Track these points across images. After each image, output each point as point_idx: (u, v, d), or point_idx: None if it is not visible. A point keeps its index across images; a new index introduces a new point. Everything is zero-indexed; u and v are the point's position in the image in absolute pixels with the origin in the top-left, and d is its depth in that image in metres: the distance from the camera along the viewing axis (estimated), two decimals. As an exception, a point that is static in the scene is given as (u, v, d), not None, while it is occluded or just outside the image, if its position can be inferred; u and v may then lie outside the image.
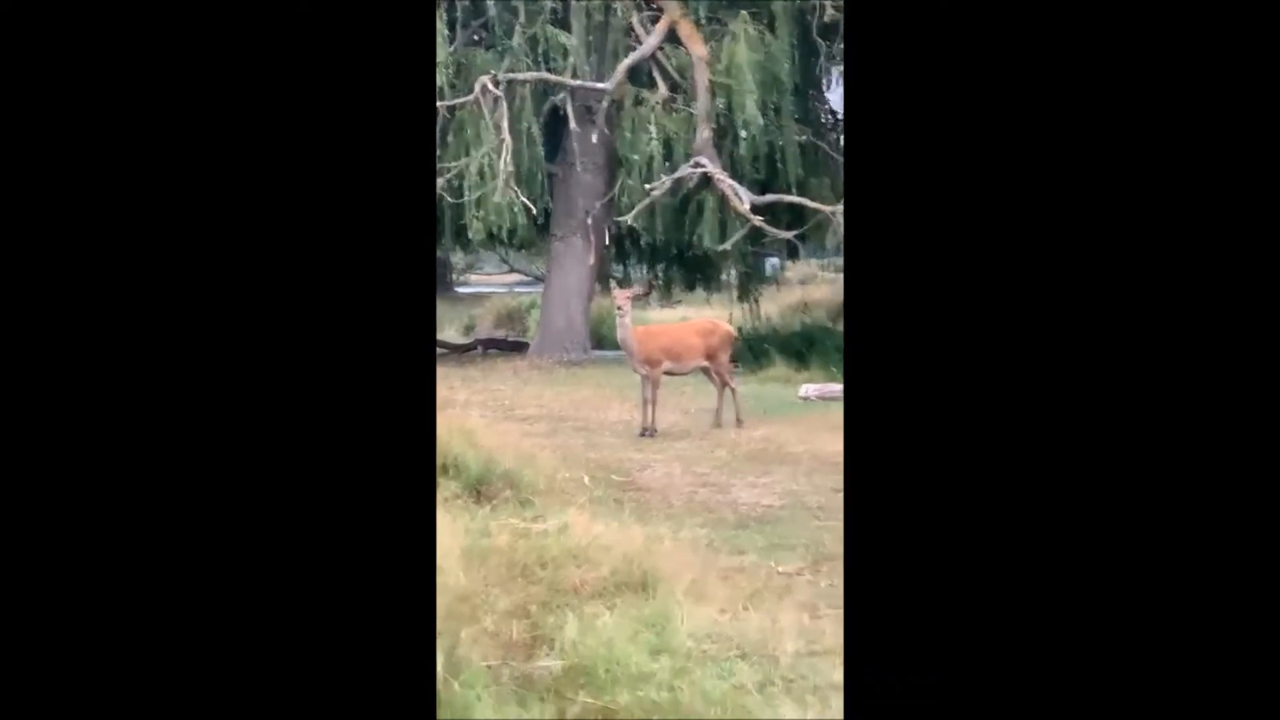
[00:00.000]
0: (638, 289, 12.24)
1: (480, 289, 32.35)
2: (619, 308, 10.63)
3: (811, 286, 25.27)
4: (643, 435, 10.59)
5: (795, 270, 27.68)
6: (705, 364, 11.15)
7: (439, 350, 19.23)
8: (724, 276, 19.44)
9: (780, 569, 6.25)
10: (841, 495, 7.78)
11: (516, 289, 28.79)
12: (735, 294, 19.03)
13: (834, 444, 9.74)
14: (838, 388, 13.02)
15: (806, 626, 5.12)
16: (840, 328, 19.12)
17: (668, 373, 10.95)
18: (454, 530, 5.92)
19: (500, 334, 21.12)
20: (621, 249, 19.25)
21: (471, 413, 10.72)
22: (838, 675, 4.64)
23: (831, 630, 5.10)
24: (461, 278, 36.33)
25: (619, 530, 6.21)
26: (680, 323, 12.91)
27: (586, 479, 8.39)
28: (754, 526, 7.30)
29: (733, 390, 11.26)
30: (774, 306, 20.89)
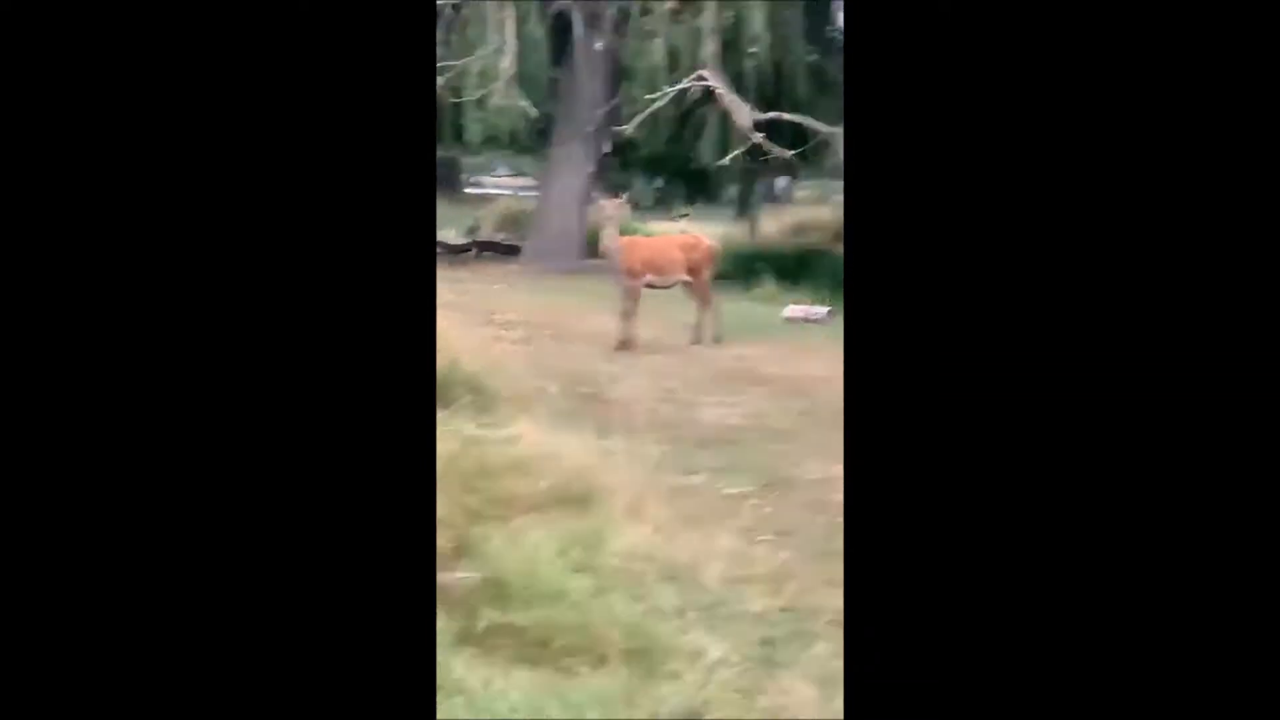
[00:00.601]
0: (622, 199, 12.08)
1: (489, 191, 32.20)
2: (605, 216, 10.50)
3: (819, 208, 25.06)
4: (618, 348, 10.50)
5: (810, 191, 27.54)
6: (687, 278, 11.04)
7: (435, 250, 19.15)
8: (724, 192, 19.30)
9: (727, 491, 6.19)
10: (806, 421, 7.87)
11: (521, 193, 28.58)
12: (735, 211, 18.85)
13: (809, 367, 9.71)
14: (822, 310, 12.94)
15: (740, 552, 5.08)
16: (838, 250, 19.14)
17: (649, 285, 10.85)
18: (402, 433, 5.86)
19: (499, 237, 20.92)
20: (624, 159, 19.07)
21: (452, 315, 10.64)
22: (758, 604, 4.63)
23: (763, 556, 5.06)
24: (473, 179, 36.11)
25: (570, 443, 6.17)
26: (663, 236, 12.79)
27: (553, 389, 8.31)
28: (712, 447, 7.26)
29: (713, 308, 11.14)
30: (775, 225, 20.77)
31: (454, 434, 6.17)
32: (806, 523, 5.63)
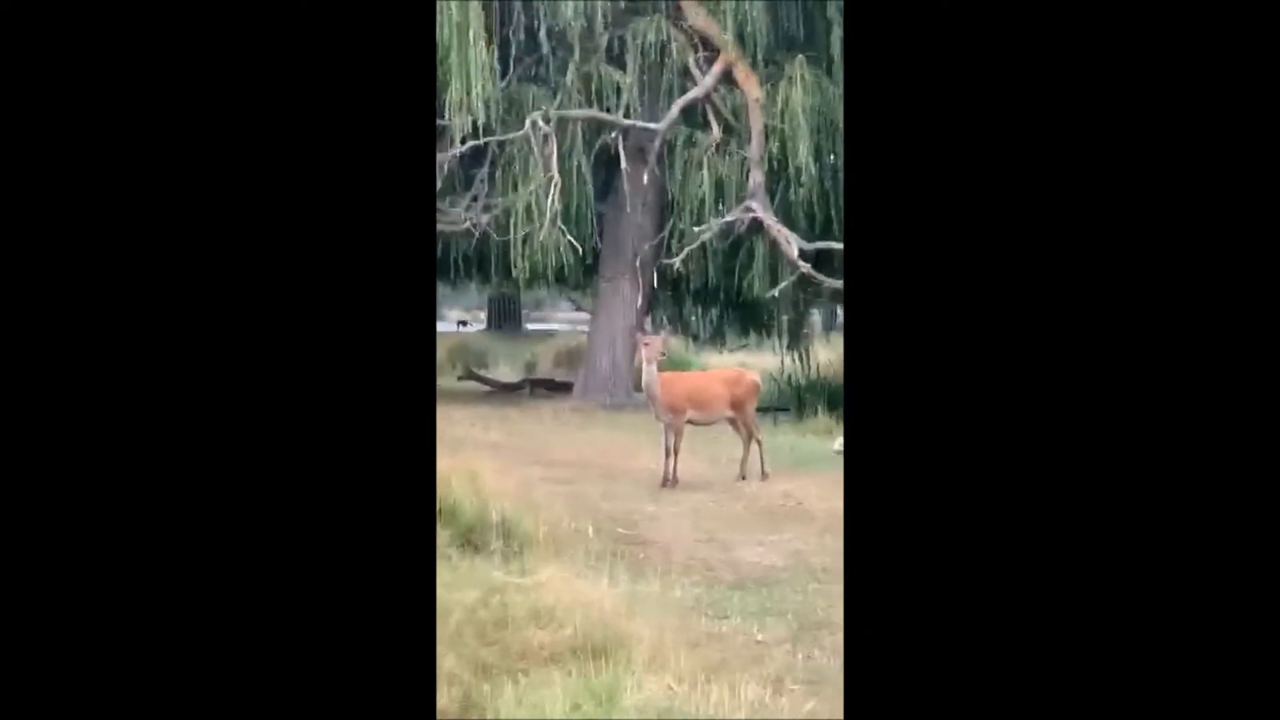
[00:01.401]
0: (664, 335, 11.90)
1: (549, 327, 32.29)
2: (645, 354, 10.35)
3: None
4: (663, 486, 10.30)
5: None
6: (730, 414, 10.84)
7: (486, 389, 19.10)
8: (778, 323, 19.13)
9: (760, 637, 5.96)
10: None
11: (581, 329, 28.59)
12: (784, 342, 18.66)
13: (856, 501, 9.45)
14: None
15: (766, 703, 4.85)
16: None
17: (691, 422, 10.65)
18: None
19: (556, 373, 20.82)
20: (678, 292, 18.96)
21: (497, 455, 10.51)
22: (780, 758, 4.43)
23: (792, 706, 4.84)
24: (534, 314, 36.27)
25: (599, 589, 5.97)
26: (705, 371, 12.66)
27: (590, 531, 8.10)
28: (749, 588, 7.01)
29: (758, 441, 10.92)
30: (834, 355, 20.59)
31: (479, 582, 5.98)
32: (838, 670, 5.37)
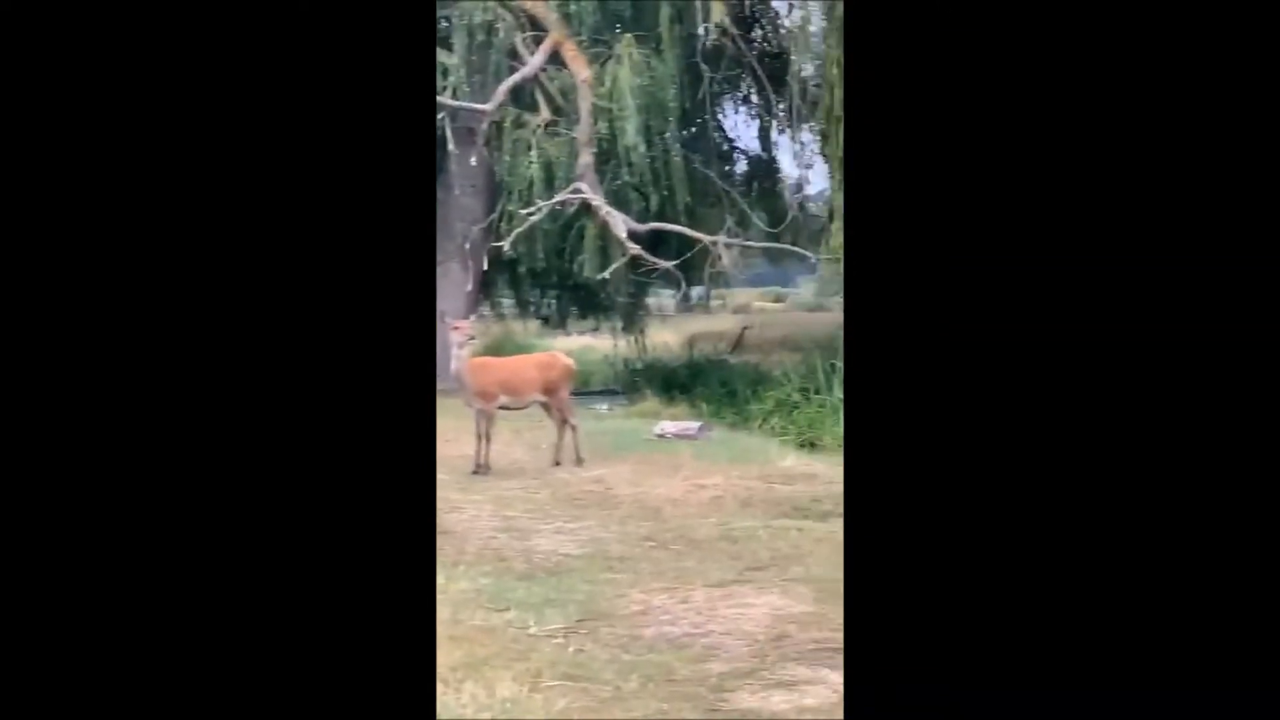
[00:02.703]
0: (470, 320, 11.74)
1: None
2: (454, 339, 10.14)
3: (717, 316, 24.86)
4: (475, 473, 10.13)
5: (736, 297, 27.47)
6: (543, 398, 10.68)
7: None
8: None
9: (533, 630, 5.79)
10: (648, 546, 7.53)
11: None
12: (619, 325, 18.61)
13: (666, 488, 9.36)
14: (695, 425, 12.59)
15: (521, 700, 4.69)
16: (732, 361, 18.91)
17: (503, 407, 10.48)
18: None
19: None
20: (516, 275, 18.78)
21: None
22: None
23: (544, 703, 4.69)
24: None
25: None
26: (518, 355, 12.48)
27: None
28: (538, 578, 6.85)
29: (573, 427, 10.77)
30: (671, 337, 20.57)
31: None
32: (603, 665, 5.23)
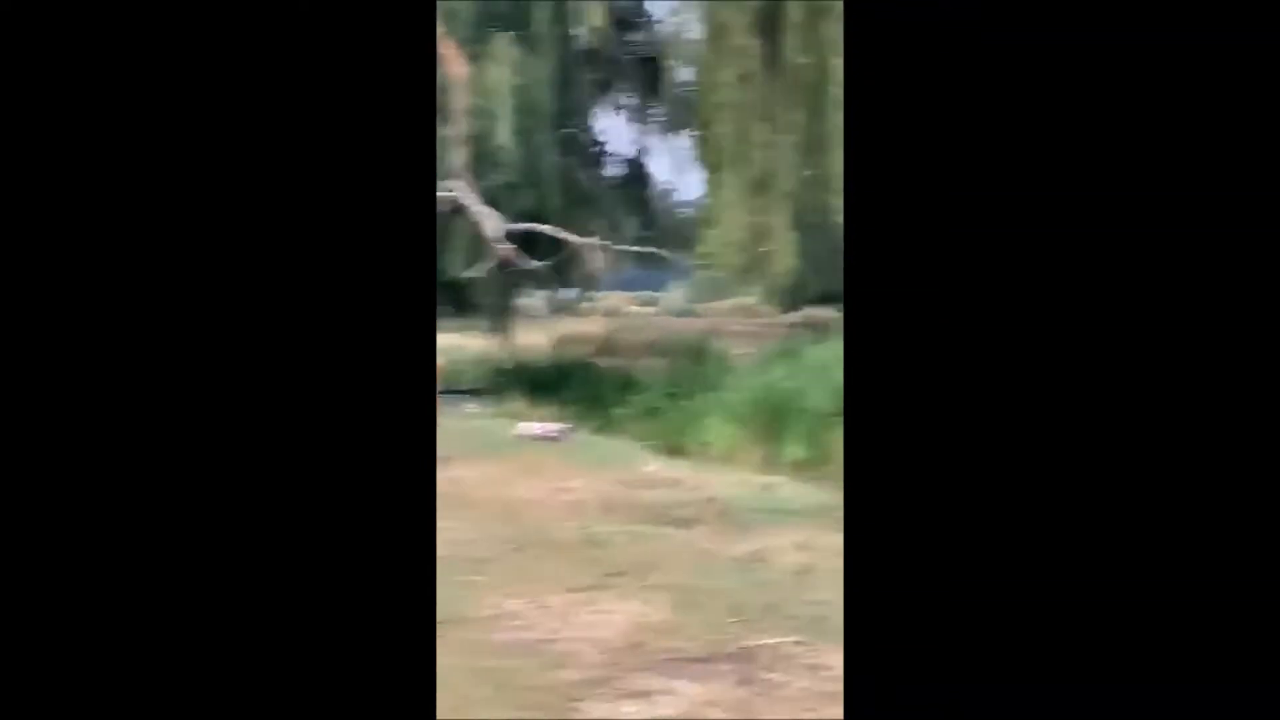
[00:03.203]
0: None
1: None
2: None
3: (588, 319, 24.88)
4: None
5: (607, 300, 27.42)
6: (407, 397, 10.57)
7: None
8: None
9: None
10: (507, 549, 7.48)
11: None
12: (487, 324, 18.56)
13: (527, 489, 9.33)
14: (559, 427, 12.58)
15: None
16: (601, 363, 18.92)
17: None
18: None
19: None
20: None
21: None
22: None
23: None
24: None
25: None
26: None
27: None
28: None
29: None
30: (541, 338, 20.54)
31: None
32: (452, 670, 5.18)
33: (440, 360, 10.76)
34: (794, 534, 8.02)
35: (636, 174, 20.39)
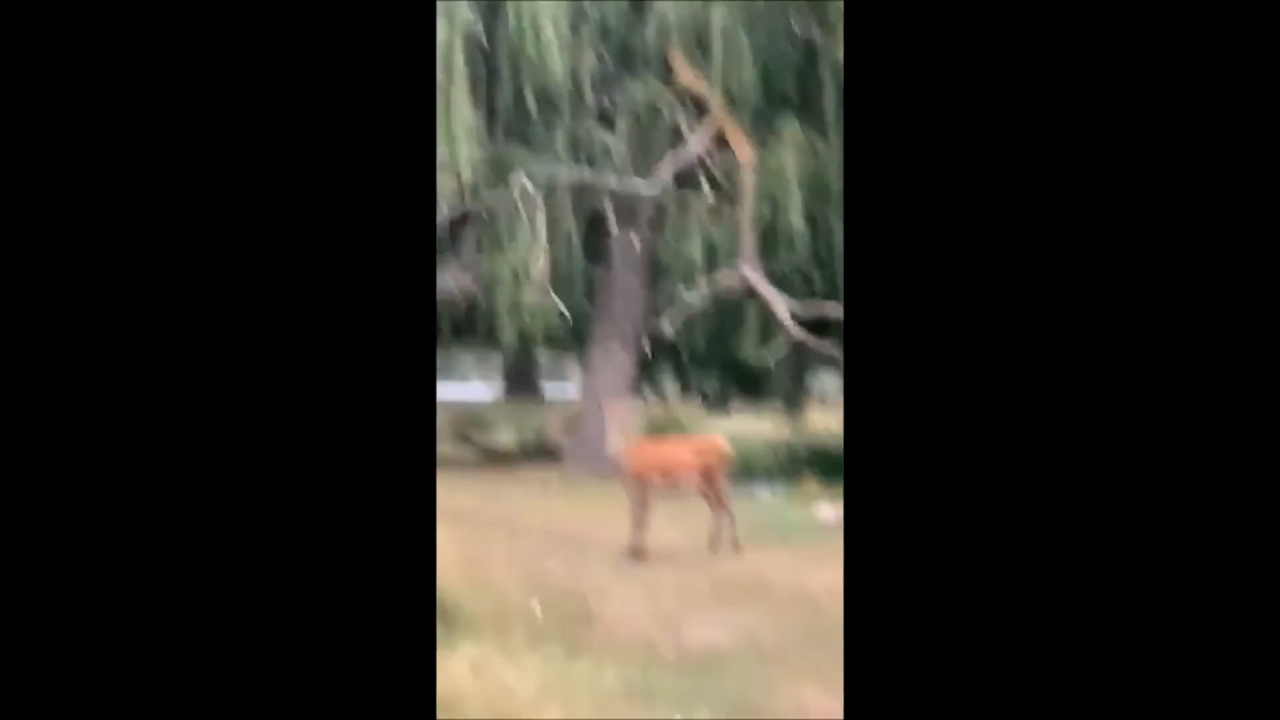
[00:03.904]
0: (629, 403, 11.62)
1: (569, 393, 31.89)
2: (609, 421, 10.02)
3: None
4: (629, 558, 9.94)
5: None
6: (700, 483, 10.47)
7: (480, 455, 18.79)
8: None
9: (678, 726, 5.60)
10: (801, 636, 7.29)
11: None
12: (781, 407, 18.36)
13: (824, 575, 9.10)
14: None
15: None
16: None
17: (663, 491, 10.30)
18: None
19: (563, 440, 20.28)
20: (675, 357, 18.61)
21: (463, 525, 10.25)
22: None
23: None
24: (548, 380, 35.85)
25: (521, 672, 5.64)
26: (675, 439, 12.30)
27: (537, 607, 7.74)
28: (687, 670, 6.64)
29: (730, 513, 10.53)
30: (834, 421, 20.27)
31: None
32: (750, 763, 5.02)
33: (728, 448, 10.64)
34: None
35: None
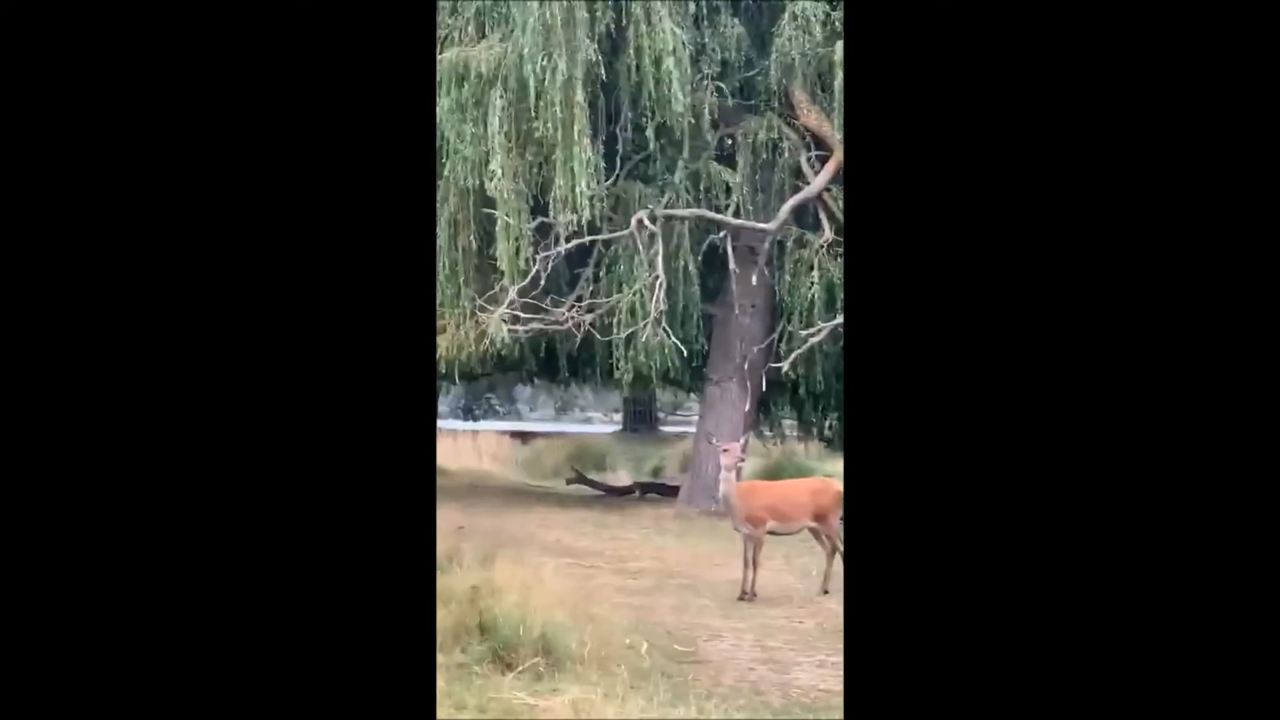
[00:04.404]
0: (740, 442, 11.47)
1: (686, 429, 31.88)
2: (723, 462, 9.90)
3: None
4: (740, 599, 9.82)
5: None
6: (813, 524, 10.30)
7: (597, 492, 18.73)
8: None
9: (783, 775, 5.46)
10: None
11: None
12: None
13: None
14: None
15: None
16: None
17: (771, 532, 10.16)
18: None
19: (680, 478, 20.08)
20: (796, 396, 18.41)
21: (576, 563, 10.24)
22: None
23: None
24: (671, 415, 35.84)
25: (625, 714, 5.55)
26: (788, 480, 12.16)
27: (644, 647, 7.64)
28: (795, 715, 6.49)
29: (843, 555, 10.34)
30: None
31: (487, 704, 5.59)
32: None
33: (841, 488, 10.46)
34: None
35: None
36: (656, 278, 15.03)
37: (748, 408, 16.42)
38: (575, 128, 14.43)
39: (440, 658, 6.24)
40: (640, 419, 32.27)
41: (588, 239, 15.16)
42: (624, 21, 15.06)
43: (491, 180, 14.30)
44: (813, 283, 15.78)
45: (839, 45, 14.95)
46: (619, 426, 33.68)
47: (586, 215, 14.55)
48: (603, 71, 14.66)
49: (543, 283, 14.87)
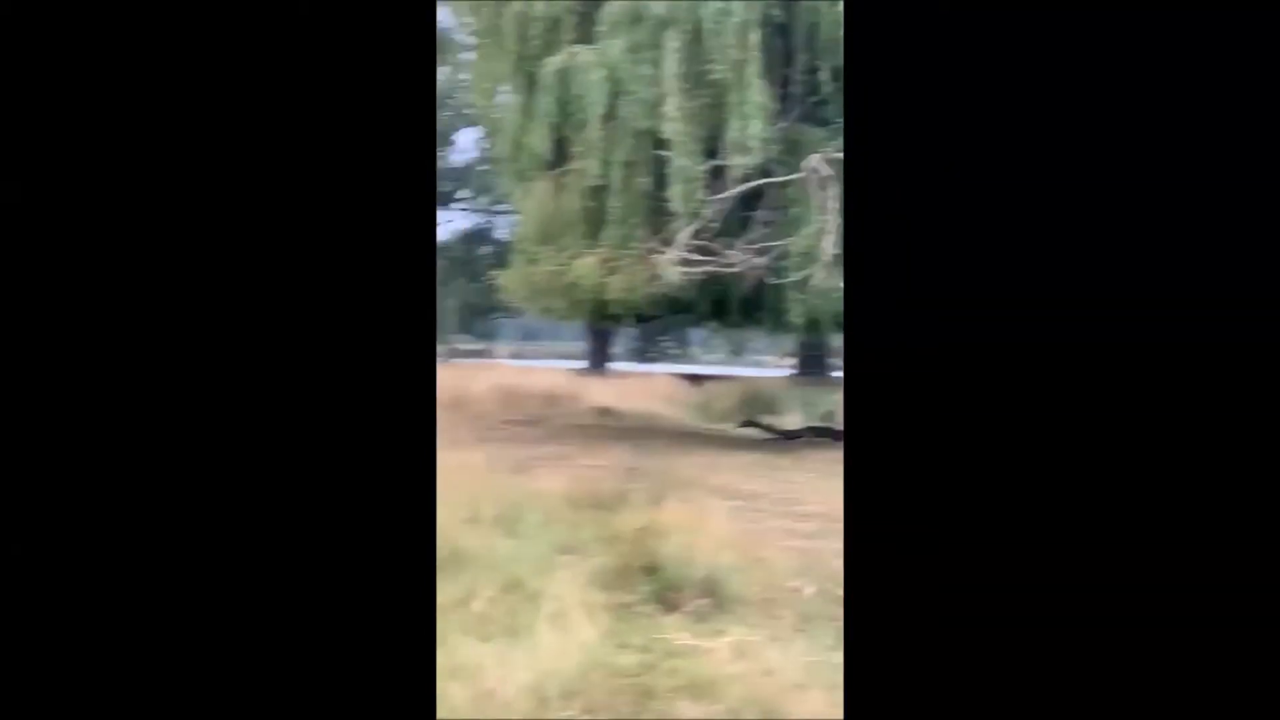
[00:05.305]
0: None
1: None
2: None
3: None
4: (907, 544, 9.73)
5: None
6: (984, 471, 10.18)
7: (767, 436, 18.71)
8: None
9: None
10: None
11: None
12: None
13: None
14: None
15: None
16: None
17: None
18: (590, 641, 5.37)
19: (834, 423, 20.06)
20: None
21: (746, 506, 10.23)
22: None
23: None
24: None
25: (787, 656, 5.57)
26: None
27: (809, 590, 7.63)
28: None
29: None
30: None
31: (649, 644, 5.64)
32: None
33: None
34: None
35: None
36: (829, 220, 14.90)
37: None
38: (749, 70, 14.36)
39: (605, 597, 6.31)
40: (813, 363, 32.17)
41: (761, 181, 15.07)
42: (799, -37, 14.93)
43: (665, 122, 14.27)
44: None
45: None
46: (792, 370, 33.61)
47: (759, 158, 14.48)
48: (777, 14, 14.54)
49: (716, 225, 14.84)
